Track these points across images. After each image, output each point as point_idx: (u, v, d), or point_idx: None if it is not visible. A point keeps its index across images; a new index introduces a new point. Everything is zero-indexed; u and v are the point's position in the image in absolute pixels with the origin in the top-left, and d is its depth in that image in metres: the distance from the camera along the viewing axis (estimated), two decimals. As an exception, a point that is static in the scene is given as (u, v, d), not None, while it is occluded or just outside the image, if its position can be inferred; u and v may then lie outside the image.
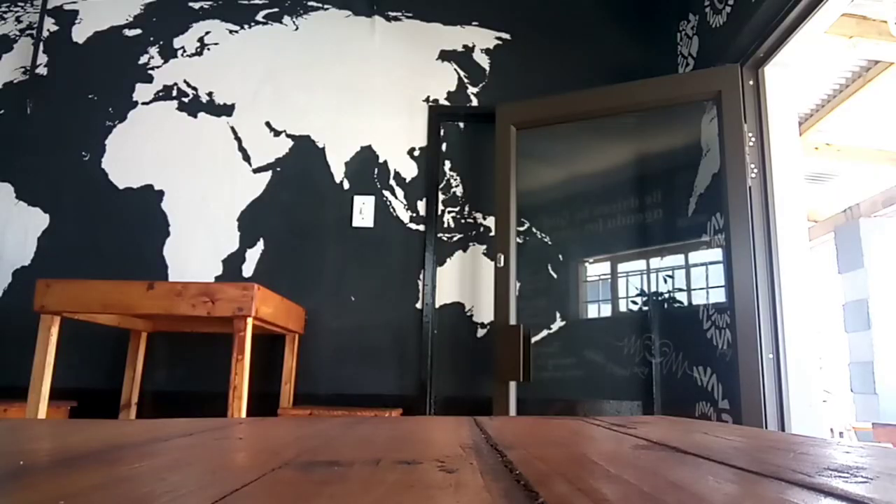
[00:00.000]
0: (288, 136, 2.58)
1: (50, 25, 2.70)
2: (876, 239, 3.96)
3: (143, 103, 2.61)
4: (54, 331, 1.75)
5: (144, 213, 2.49)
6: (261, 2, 2.73)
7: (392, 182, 2.54)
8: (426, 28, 2.70)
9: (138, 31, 2.70)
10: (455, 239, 2.50)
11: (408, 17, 2.72)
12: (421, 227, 2.49)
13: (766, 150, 1.94)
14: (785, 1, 1.72)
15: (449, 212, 2.53)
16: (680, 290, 2.39)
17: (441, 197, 2.54)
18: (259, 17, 2.72)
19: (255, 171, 2.55)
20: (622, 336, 2.44)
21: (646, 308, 2.47)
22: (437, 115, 2.60)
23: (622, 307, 2.55)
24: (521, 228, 2.47)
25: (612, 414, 2.33)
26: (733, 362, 1.85)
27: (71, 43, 2.68)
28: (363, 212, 2.50)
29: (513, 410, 2.16)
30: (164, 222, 2.48)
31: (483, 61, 2.66)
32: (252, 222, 2.49)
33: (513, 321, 2.21)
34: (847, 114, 3.46)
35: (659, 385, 2.34)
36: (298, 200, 2.52)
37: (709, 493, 0.33)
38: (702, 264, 2.28)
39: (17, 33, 2.69)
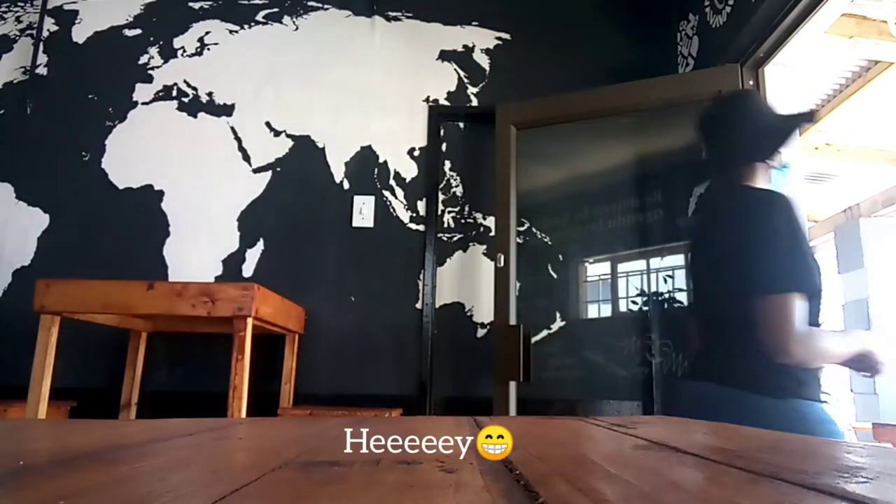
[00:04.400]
0: (288, 136, 2.58)
1: (50, 25, 2.70)
2: (876, 239, 3.95)
3: (143, 103, 2.62)
4: (54, 331, 1.75)
5: (144, 213, 2.49)
6: (261, 2, 2.73)
7: (392, 182, 2.54)
8: (426, 28, 2.70)
9: (138, 31, 2.70)
10: (455, 239, 2.50)
11: (408, 17, 2.72)
12: (421, 227, 2.49)
13: (766, 150, 1.93)
14: (785, 1, 1.72)
15: (449, 212, 2.53)
16: (680, 290, 2.39)
17: (441, 197, 2.53)
18: (259, 17, 2.72)
19: (255, 171, 2.55)
20: (622, 336, 2.44)
21: (646, 308, 2.47)
22: (437, 115, 2.59)
23: (622, 307, 2.55)
24: (521, 228, 2.47)
25: (612, 414, 2.33)
26: (733, 362, 1.84)
27: (71, 43, 2.68)
28: (363, 212, 2.50)
29: (513, 410, 2.16)
30: (164, 222, 2.48)
31: (483, 61, 2.66)
32: (252, 222, 2.49)
33: (513, 321, 2.21)
34: (847, 114, 3.46)
35: (659, 385, 2.34)
36: (298, 200, 2.52)
37: (709, 493, 0.33)
38: (702, 264, 2.27)
39: (17, 33, 2.69)
